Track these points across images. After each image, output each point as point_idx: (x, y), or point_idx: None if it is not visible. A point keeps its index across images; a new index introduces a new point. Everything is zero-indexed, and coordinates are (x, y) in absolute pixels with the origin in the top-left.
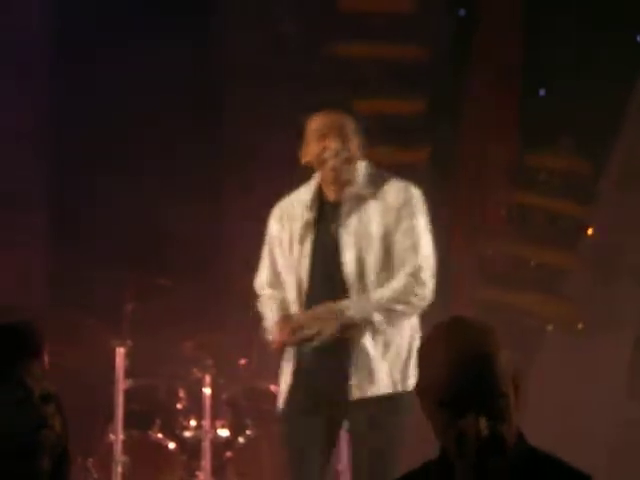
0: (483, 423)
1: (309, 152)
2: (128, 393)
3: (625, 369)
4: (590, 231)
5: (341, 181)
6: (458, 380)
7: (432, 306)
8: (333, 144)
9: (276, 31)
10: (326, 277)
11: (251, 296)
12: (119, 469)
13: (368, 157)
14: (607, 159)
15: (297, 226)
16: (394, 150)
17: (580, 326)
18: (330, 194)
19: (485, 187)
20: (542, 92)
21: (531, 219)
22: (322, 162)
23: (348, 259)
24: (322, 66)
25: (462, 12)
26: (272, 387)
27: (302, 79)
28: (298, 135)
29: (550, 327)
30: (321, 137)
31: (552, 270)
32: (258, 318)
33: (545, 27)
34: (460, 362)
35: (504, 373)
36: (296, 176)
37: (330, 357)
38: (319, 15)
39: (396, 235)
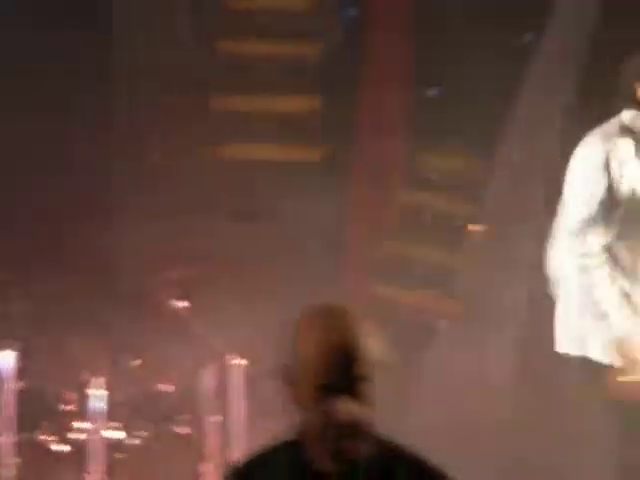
0: (348, 406)
1: None
2: (17, 395)
3: (510, 366)
4: (479, 229)
5: None
6: (328, 363)
7: None
8: None
9: (166, 29)
10: None
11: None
12: (8, 472)
13: (262, 156)
14: (495, 158)
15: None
16: (289, 148)
17: (468, 323)
18: None
19: (380, 187)
20: (433, 92)
21: (424, 218)
22: None
23: None
24: (214, 64)
25: (353, 11)
26: (167, 388)
27: (195, 77)
28: None
29: (441, 323)
30: None
31: (444, 268)
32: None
33: (435, 27)
34: (331, 345)
35: (369, 358)
36: None
37: None
38: (209, 13)
39: None
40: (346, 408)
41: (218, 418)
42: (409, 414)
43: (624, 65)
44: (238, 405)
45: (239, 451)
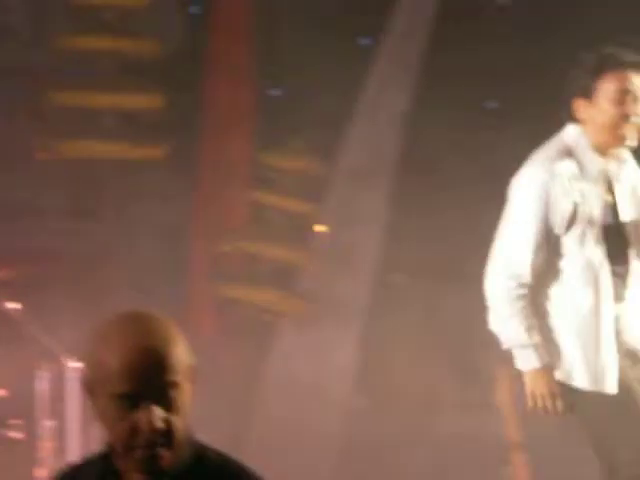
0: (157, 414)
1: (598, 112)
2: None
3: (352, 364)
4: (322, 228)
5: None
6: (131, 370)
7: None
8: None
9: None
10: None
11: None
12: None
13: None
14: (336, 158)
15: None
16: (131, 146)
17: (312, 321)
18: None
19: (224, 185)
20: (275, 92)
21: (267, 217)
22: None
23: None
24: (54, 59)
25: (194, 9)
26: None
27: (32, 73)
28: None
29: (284, 322)
30: (622, 96)
31: (287, 267)
32: None
33: (277, 27)
34: (134, 352)
35: (178, 364)
36: None
37: None
38: (48, 7)
39: None
40: (152, 417)
41: (52, 422)
42: (252, 417)
43: (566, 81)
44: (73, 409)
45: (74, 456)
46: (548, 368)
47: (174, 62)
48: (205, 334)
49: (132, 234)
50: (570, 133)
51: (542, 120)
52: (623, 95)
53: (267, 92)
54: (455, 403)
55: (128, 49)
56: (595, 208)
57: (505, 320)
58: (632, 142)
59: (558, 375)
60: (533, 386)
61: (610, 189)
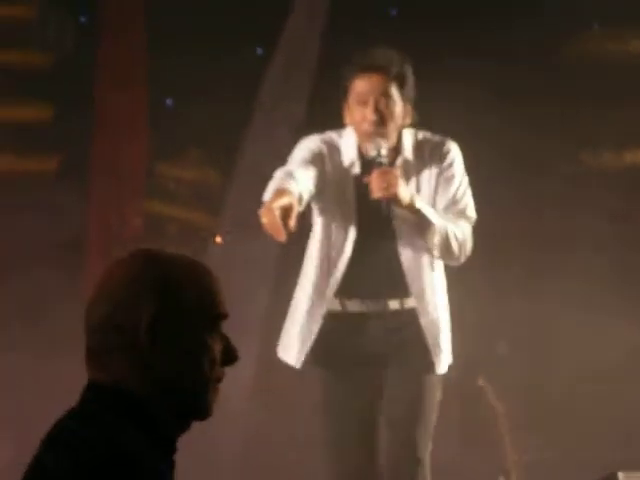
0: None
1: (350, 115)
2: None
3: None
4: (218, 239)
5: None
6: (220, 293)
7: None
8: (371, 116)
9: None
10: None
11: None
12: None
13: None
14: (234, 169)
15: (344, 176)
16: (20, 159)
17: None
18: (366, 152)
19: (118, 197)
20: (169, 101)
21: (164, 229)
22: (362, 131)
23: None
24: None
25: (83, 19)
26: None
27: None
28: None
29: None
30: (362, 103)
31: None
32: None
33: (166, 35)
34: (212, 277)
35: None
36: None
37: None
38: None
39: (445, 197)
40: (233, 346)
41: None
42: None
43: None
44: None
45: None
46: None
47: (64, 73)
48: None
49: (21, 250)
50: (343, 132)
51: None
52: (361, 103)
53: (161, 102)
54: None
55: (17, 61)
56: (348, 187)
57: None
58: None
59: None
60: None
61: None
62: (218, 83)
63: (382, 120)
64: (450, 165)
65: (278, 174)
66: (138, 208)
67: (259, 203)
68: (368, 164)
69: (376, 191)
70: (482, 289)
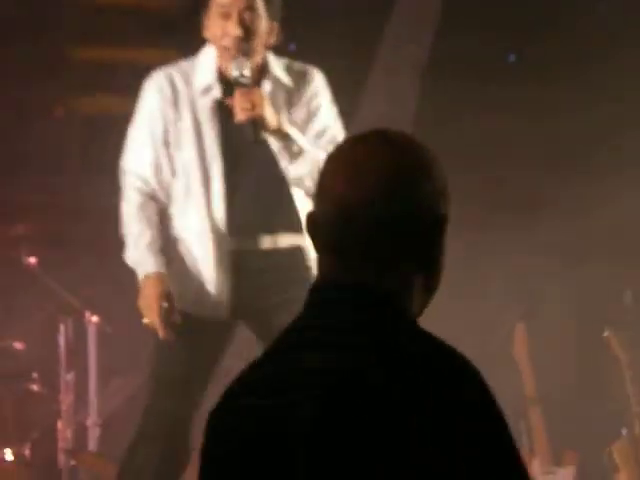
0: None
1: (210, 30)
2: None
3: None
4: None
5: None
6: None
7: None
8: (235, 30)
9: None
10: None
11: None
12: None
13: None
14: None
15: (202, 111)
16: None
17: None
18: (228, 72)
19: None
20: (291, 47)
21: None
22: (222, 48)
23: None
24: (67, 15)
25: None
26: (16, 344)
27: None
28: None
29: None
30: (224, 16)
31: None
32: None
33: None
34: None
35: None
36: None
37: None
38: None
39: (317, 124)
40: None
41: (73, 375)
42: None
43: None
44: (92, 362)
45: (94, 409)
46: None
47: (186, 16)
48: None
49: None
50: (201, 51)
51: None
52: (223, 16)
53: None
54: (472, 357)
55: (142, 4)
56: (208, 132)
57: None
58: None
59: None
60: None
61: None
62: (337, 31)
63: (246, 36)
64: (318, 92)
65: (134, 226)
66: None
67: None
68: (230, 86)
69: (239, 113)
70: None
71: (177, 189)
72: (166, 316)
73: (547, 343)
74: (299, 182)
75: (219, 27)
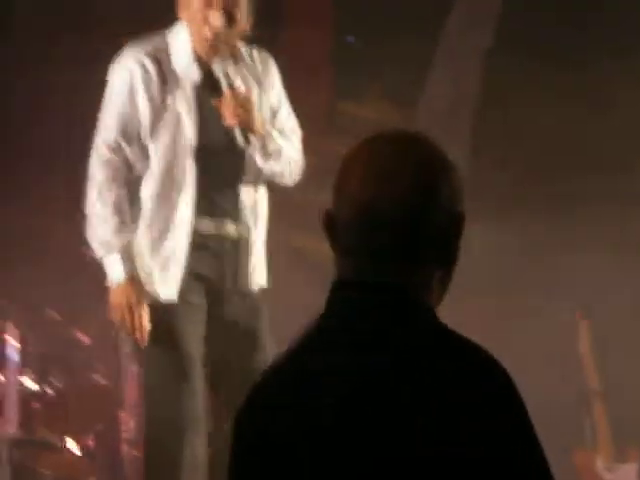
0: None
1: (188, 13)
2: None
3: None
4: None
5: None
6: None
7: None
8: (218, 20)
9: None
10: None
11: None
12: None
13: None
14: (415, 107)
15: (184, 91)
16: None
17: None
18: (204, 56)
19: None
20: (350, 39)
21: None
22: (201, 34)
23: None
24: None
25: None
26: (81, 337)
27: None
28: None
29: None
30: (207, 2)
31: None
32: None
33: None
34: None
35: None
36: None
37: None
38: None
39: (280, 113)
40: None
41: (135, 367)
42: None
43: None
44: None
45: None
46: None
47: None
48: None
49: None
50: (174, 30)
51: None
52: (206, 2)
53: (343, 39)
54: (536, 354)
55: None
56: (186, 117)
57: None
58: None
59: None
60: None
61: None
62: (400, 17)
63: (227, 24)
64: (276, 79)
65: (110, 220)
66: (321, 146)
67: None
68: (209, 75)
69: (230, 118)
70: None
71: (150, 167)
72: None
73: (611, 339)
74: (272, 178)
75: (199, 12)
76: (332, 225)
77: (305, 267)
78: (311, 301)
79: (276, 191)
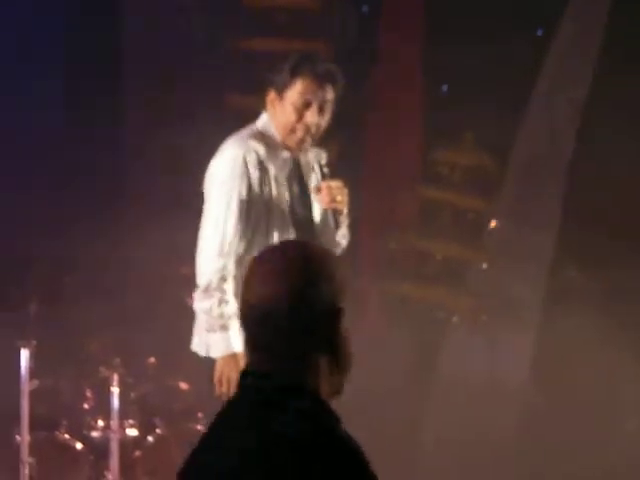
0: None
1: (281, 110)
2: (34, 394)
3: (528, 355)
4: (493, 224)
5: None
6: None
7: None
8: (314, 119)
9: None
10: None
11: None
12: (26, 471)
13: None
14: (509, 153)
15: (283, 175)
16: None
17: (484, 317)
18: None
19: (393, 183)
20: (445, 88)
21: (437, 213)
22: (289, 129)
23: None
24: (226, 61)
25: (365, 9)
26: (182, 385)
27: (207, 75)
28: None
29: (455, 318)
30: (305, 103)
31: (458, 263)
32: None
33: (445, 24)
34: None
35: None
36: None
37: None
38: (224, 11)
39: None
40: None
41: None
42: (426, 414)
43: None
44: None
45: None
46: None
47: (344, 61)
48: (374, 331)
49: None
50: (262, 119)
51: None
52: (305, 103)
53: (435, 89)
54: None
55: (301, 50)
56: (283, 195)
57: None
58: (304, 147)
59: None
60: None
61: (301, 181)
62: (493, 67)
63: (318, 128)
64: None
65: (214, 309)
66: (412, 193)
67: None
68: (299, 165)
69: (326, 203)
70: None
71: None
72: None
73: None
74: (340, 241)
75: (296, 112)
76: (243, 322)
77: None
78: None
79: None
